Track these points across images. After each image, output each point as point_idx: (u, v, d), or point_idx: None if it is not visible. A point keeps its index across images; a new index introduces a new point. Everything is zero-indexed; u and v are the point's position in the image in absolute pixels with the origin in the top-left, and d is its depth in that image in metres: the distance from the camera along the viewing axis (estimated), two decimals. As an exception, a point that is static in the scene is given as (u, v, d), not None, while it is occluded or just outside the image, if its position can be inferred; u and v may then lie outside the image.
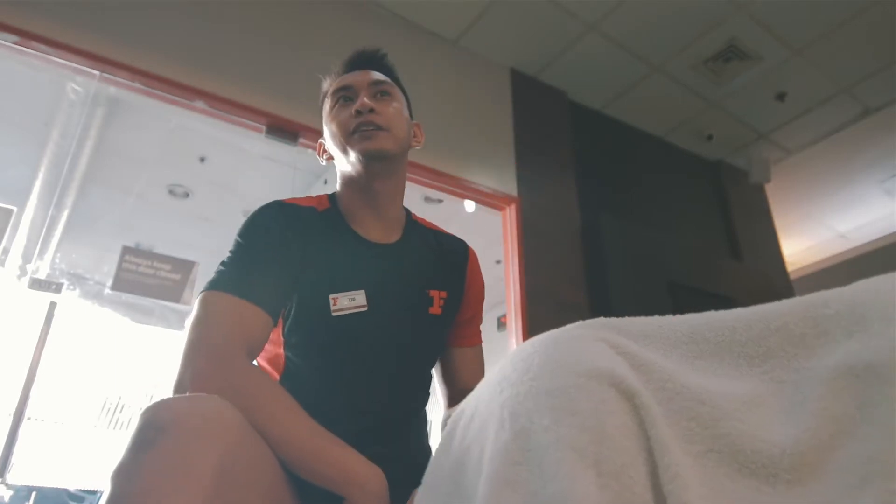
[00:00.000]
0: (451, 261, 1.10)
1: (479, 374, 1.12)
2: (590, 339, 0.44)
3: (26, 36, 1.96)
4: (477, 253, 1.17)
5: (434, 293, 1.04)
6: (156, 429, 0.59)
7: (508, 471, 0.37)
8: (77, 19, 2.06)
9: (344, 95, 1.02)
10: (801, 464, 0.34)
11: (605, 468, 0.35)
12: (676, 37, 2.96)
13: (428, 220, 1.16)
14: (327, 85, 1.08)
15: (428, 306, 1.02)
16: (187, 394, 0.69)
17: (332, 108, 1.03)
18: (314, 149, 1.23)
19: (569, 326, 0.47)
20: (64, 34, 2.02)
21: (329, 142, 1.05)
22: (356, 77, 1.03)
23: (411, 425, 1.02)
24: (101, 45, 2.07)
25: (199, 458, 0.58)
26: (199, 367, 0.76)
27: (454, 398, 1.08)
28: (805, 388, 0.38)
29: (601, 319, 0.48)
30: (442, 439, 0.48)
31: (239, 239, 0.92)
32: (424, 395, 1.05)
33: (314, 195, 1.07)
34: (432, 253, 1.08)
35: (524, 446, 0.37)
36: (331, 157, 1.07)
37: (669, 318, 0.48)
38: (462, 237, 1.17)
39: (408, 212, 1.12)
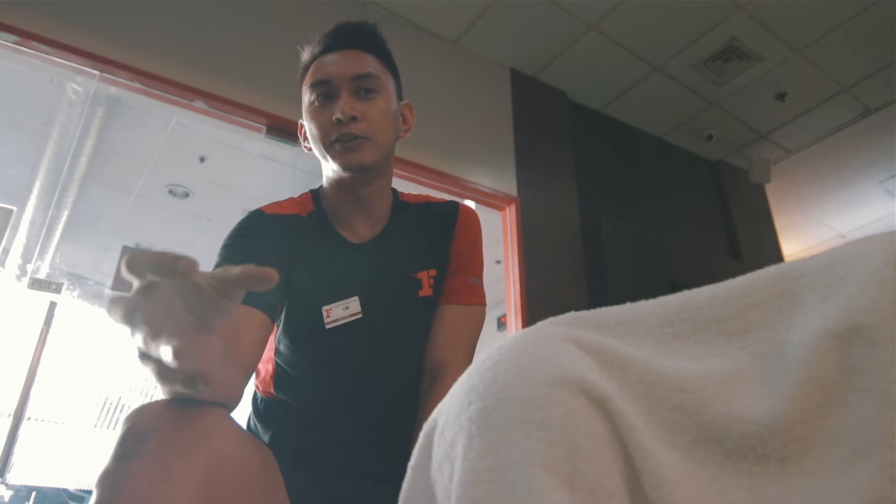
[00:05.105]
0: (439, 230, 1.04)
1: (459, 341, 0.99)
2: (557, 339, 0.42)
3: (26, 36, 1.96)
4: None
5: (422, 275, 1.00)
6: (137, 438, 0.58)
7: (478, 491, 0.35)
8: (77, 19, 2.06)
9: (323, 92, 0.94)
10: (791, 439, 0.33)
11: (579, 483, 0.33)
12: (676, 37, 2.96)
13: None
14: (307, 57, 1.00)
15: (418, 290, 0.99)
16: (171, 398, 0.68)
17: (311, 102, 0.96)
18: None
19: (537, 325, 0.45)
20: (64, 34, 2.01)
21: (309, 139, 0.99)
22: (337, 67, 0.95)
23: (417, 410, 0.98)
24: (101, 45, 2.07)
25: (182, 468, 0.57)
26: None
27: (428, 371, 0.99)
28: (787, 357, 0.37)
29: (571, 314, 0.46)
30: (416, 454, 0.45)
31: (222, 250, 0.91)
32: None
33: (298, 195, 1.03)
34: (420, 230, 1.03)
35: (493, 464, 0.35)
36: (311, 148, 1.01)
37: (643, 302, 0.46)
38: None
39: (395, 193, 1.06)
